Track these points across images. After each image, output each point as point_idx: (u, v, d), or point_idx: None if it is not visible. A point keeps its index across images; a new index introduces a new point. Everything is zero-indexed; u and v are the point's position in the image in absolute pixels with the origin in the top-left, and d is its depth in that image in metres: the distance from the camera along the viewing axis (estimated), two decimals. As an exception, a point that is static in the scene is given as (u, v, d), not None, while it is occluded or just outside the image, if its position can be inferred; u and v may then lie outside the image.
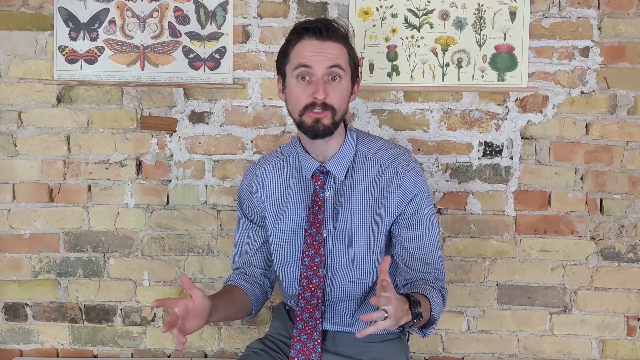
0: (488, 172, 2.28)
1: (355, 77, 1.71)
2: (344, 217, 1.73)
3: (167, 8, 2.24)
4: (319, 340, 1.73)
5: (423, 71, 2.23)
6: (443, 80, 2.23)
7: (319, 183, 1.75)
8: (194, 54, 2.25)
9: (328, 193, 1.75)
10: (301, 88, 1.64)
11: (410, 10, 2.22)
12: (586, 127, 2.26)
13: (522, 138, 2.26)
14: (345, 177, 1.74)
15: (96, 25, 2.25)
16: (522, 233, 2.29)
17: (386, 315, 1.40)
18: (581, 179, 2.27)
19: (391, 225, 1.74)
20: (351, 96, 1.72)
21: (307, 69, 1.63)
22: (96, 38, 2.25)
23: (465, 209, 2.29)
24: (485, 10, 2.21)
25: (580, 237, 2.28)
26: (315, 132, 1.64)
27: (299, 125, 1.67)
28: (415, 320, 1.51)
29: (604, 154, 2.26)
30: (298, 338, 1.74)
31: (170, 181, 2.30)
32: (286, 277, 1.81)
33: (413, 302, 1.52)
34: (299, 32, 1.66)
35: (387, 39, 2.23)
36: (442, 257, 1.77)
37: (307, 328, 1.74)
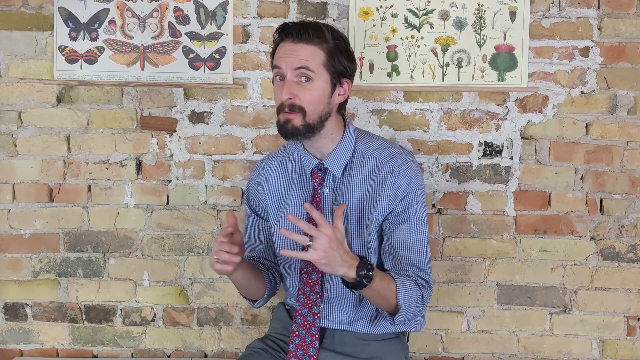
0: (488, 172, 2.28)
1: (337, 78, 1.70)
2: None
3: (167, 8, 2.24)
4: (317, 336, 1.75)
5: (423, 71, 2.23)
6: (443, 80, 2.23)
7: (317, 180, 1.77)
8: (194, 54, 2.25)
9: (327, 190, 1.77)
10: (277, 88, 1.70)
11: (410, 10, 2.22)
12: (586, 127, 2.26)
13: (522, 138, 2.26)
14: (343, 174, 1.76)
15: (96, 25, 2.25)
16: (522, 233, 2.29)
17: (310, 243, 1.47)
18: (581, 179, 2.27)
19: (382, 223, 1.75)
20: (336, 96, 1.72)
21: (279, 70, 1.69)
22: (96, 38, 2.25)
23: (465, 209, 2.29)
24: (485, 10, 2.21)
25: (580, 237, 2.28)
26: (285, 131, 1.68)
27: (276, 124, 1.71)
28: (359, 280, 1.53)
29: (604, 154, 2.26)
30: (297, 333, 1.76)
31: (170, 181, 2.30)
32: (288, 273, 1.83)
33: (364, 265, 1.54)
34: (279, 35, 1.72)
35: (387, 39, 2.23)
36: (430, 259, 1.77)
37: (305, 323, 1.75)
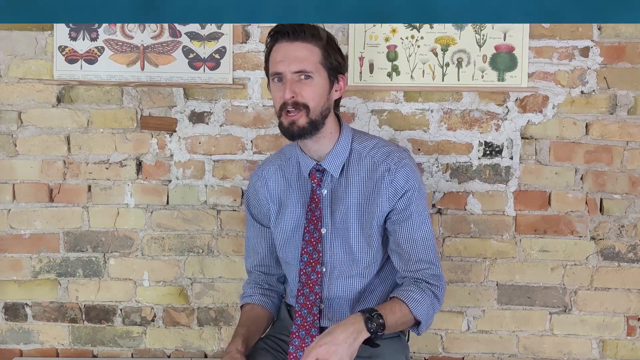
0: (488, 172, 2.28)
1: (334, 74, 1.73)
2: (341, 213, 1.76)
3: (167, 8, 2.24)
4: (316, 337, 1.74)
5: (423, 71, 2.23)
6: (443, 80, 2.23)
7: (315, 181, 1.78)
8: (194, 54, 2.25)
9: (325, 191, 1.78)
10: (276, 89, 1.71)
11: (410, 10, 2.22)
12: (586, 127, 2.26)
13: (522, 138, 2.26)
14: (340, 174, 1.77)
15: (96, 25, 2.24)
16: (522, 233, 2.29)
17: None
18: (581, 179, 2.27)
19: (385, 222, 1.76)
20: (334, 93, 1.75)
21: (278, 74, 1.69)
22: (96, 38, 2.25)
23: (465, 209, 2.29)
24: (485, 10, 2.21)
25: (580, 237, 2.28)
26: (291, 133, 1.69)
27: (279, 126, 1.71)
28: (374, 334, 1.56)
29: (604, 154, 2.26)
30: (297, 334, 1.76)
31: (170, 181, 2.30)
32: (291, 275, 1.84)
33: (369, 318, 1.56)
34: (273, 38, 1.72)
35: (387, 39, 2.23)
36: (437, 252, 1.79)
37: (305, 324, 1.75)
